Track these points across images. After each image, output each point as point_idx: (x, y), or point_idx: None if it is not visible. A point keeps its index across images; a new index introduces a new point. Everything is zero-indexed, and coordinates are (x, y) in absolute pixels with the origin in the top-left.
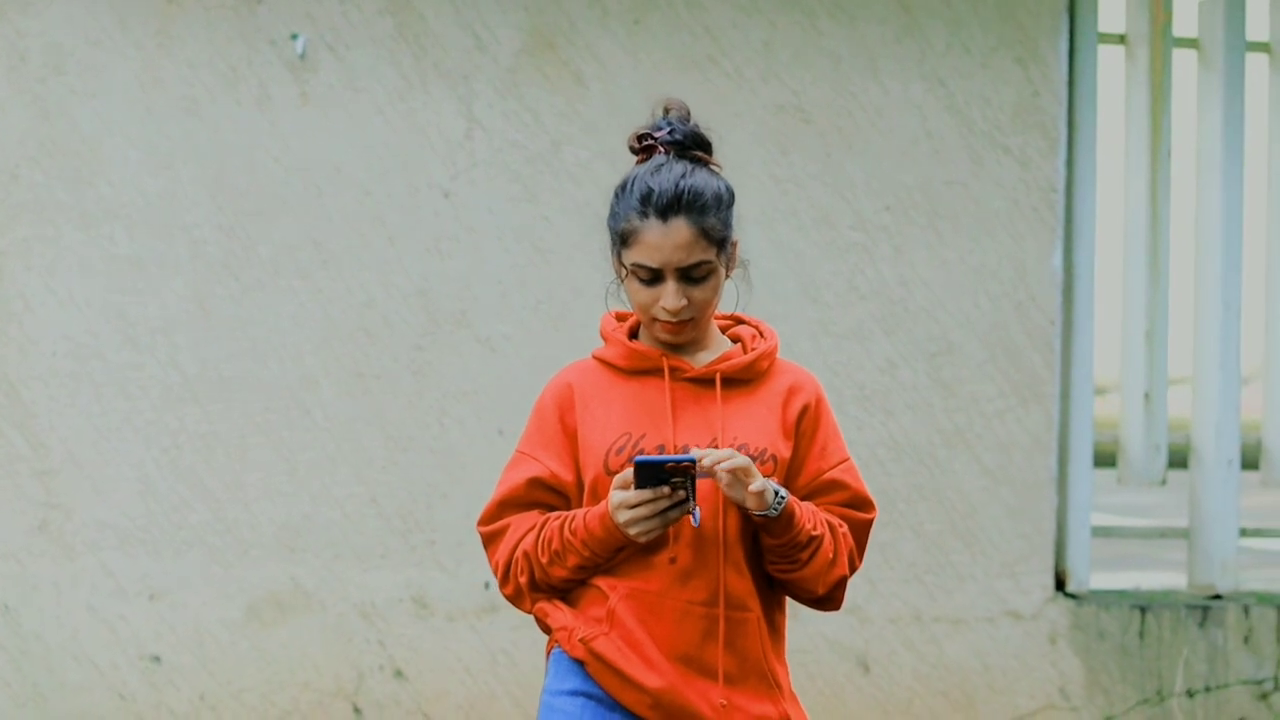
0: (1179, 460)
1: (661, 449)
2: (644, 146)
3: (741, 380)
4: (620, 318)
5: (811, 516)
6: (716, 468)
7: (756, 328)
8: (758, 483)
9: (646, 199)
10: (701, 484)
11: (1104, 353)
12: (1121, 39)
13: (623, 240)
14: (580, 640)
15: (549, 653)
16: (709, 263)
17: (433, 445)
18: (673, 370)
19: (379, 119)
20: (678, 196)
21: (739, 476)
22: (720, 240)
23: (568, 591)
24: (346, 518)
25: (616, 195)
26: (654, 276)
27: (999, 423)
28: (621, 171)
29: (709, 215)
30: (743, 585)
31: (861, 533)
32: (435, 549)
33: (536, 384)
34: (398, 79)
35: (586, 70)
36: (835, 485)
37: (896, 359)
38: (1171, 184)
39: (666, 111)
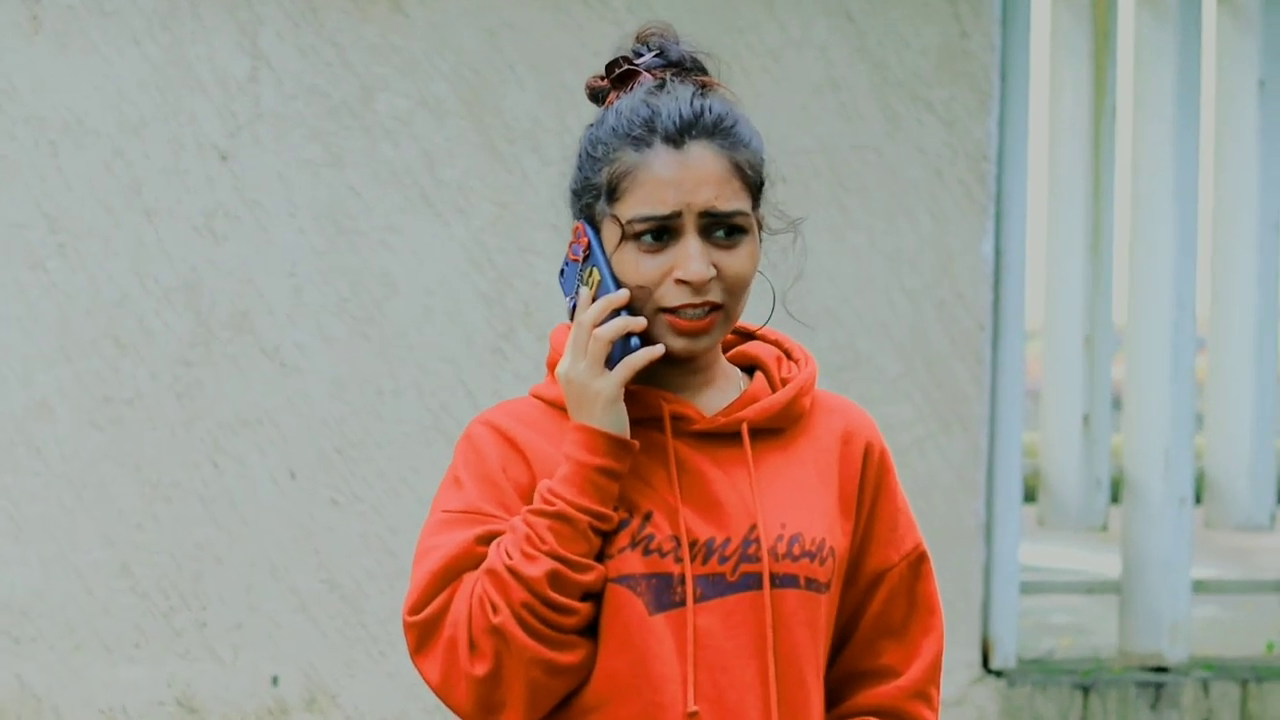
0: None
1: (676, 540)
2: (619, 76)
3: (773, 430)
4: None
5: None
6: None
7: (780, 345)
8: None
9: (649, 122)
10: (740, 599)
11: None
12: None
13: (610, 191)
14: None
15: None
16: (744, 215)
17: (203, 493)
18: (675, 420)
19: (135, 53)
20: (695, 115)
21: None
22: (757, 188)
23: (569, 623)
24: (89, 593)
25: (590, 138)
26: (662, 231)
27: (917, 454)
28: (450, 125)
29: (740, 148)
30: None
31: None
32: (207, 633)
33: (339, 410)
34: (160, 1)
35: None
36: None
37: None
38: (1116, 151)
39: (643, 39)
